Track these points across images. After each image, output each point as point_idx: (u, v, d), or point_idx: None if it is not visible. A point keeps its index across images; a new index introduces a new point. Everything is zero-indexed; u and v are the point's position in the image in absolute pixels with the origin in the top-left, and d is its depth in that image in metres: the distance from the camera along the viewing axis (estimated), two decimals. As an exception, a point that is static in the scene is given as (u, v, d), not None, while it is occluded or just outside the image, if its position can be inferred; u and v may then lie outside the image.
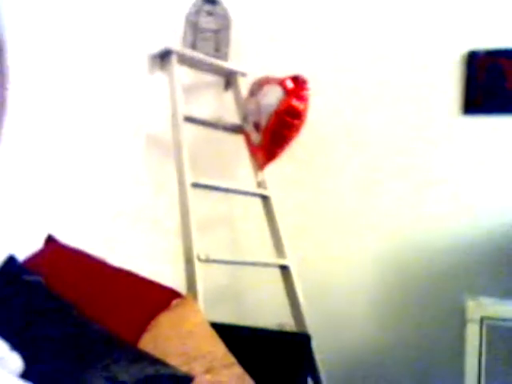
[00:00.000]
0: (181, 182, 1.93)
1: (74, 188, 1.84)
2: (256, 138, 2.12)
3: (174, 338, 1.31)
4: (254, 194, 2.16)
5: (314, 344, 1.95)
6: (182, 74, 2.23)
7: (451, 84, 2.05)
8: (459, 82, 2.04)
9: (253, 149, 2.16)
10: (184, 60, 2.15)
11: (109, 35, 1.95)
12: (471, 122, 2.03)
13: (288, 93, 2.03)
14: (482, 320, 1.55)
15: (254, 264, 2.12)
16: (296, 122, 2.05)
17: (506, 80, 2.00)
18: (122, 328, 1.28)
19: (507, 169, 1.97)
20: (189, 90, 2.33)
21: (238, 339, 1.83)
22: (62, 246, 1.48)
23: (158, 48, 2.10)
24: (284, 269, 2.07)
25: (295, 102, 2.03)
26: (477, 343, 1.55)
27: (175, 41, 2.18)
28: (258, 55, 2.31)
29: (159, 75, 2.15)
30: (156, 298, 1.39)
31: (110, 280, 1.40)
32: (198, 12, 2.16)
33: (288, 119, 2.05)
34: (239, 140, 2.20)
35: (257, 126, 2.12)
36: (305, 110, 2.05)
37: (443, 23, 2.08)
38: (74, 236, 1.77)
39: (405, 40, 2.14)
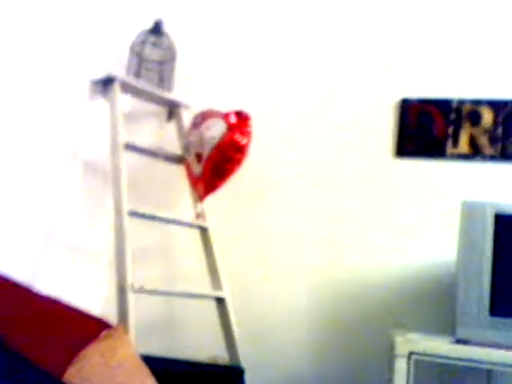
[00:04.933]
0: (118, 210, 1.90)
1: (3, 209, 1.78)
2: (197, 169, 2.14)
3: (102, 371, 1.27)
4: (192, 225, 2.16)
5: (247, 377, 1.93)
6: (125, 101, 2.22)
7: (386, 128, 2.15)
8: (393, 127, 2.14)
9: (193, 180, 2.16)
10: (127, 88, 2.15)
11: (51, 58, 1.93)
12: (403, 164, 2.12)
13: (231, 127, 2.06)
14: (409, 355, 1.60)
15: (189, 295, 2.10)
16: (238, 155, 2.08)
17: (435, 126, 2.11)
18: (47, 359, 1.23)
19: (435, 209, 2.06)
20: (131, 118, 2.32)
21: (170, 373, 1.79)
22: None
23: (101, 74, 2.09)
24: (220, 301, 2.06)
25: (238, 137, 2.07)
26: (405, 378, 1.59)
27: (119, 69, 2.18)
28: (202, 88, 2.35)
29: (101, 101, 2.13)
30: (84, 329, 1.35)
31: (36, 308, 1.35)
32: (143, 42, 2.18)
33: (230, 153, 2.07)
34: (180, 170, 2.21)
35: (198, 158, 2.14)
36: (247, 144, 2.08)
37: (380, 72, 2.19)
38: (1, 260, 1.70)
39: (344, 84, 2.23)
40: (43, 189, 1.95)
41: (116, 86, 2.07)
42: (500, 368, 1.58)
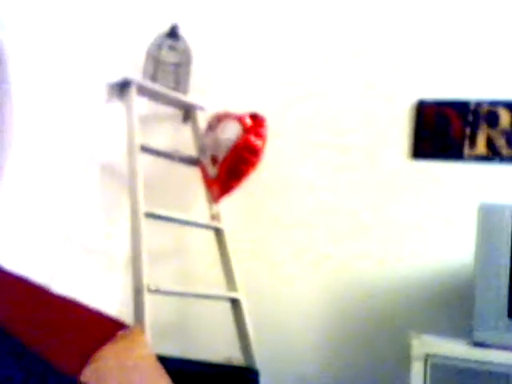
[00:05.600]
0: (134, 211, 1.91)
1: (23, 212, 1.80)
2: (212, 171, 2.14)
3: (119, 371, 1.28)
4: (207, 227, 2.17)
5: (262, 379, 1.93)
6: (141, 104, 2.24)
7: (402, 130, 2.14)
8: (409, 129, 2.13)
9: (208, 182, 2.17)
10: (143, 91, 2.16)
11: (69, 62, 1.96)
12: (420, 166, 2.11)
13: (246, 129, 2.07)
14: (426, 357, 1.58)
15: (204, 296, 2.11)
16: (253, 158, 2.09)
17: (452, 128, 2.10)
18: (63, 359, 1.25)
19: (453, 211, 2.04)
20: (147, 120, 2.34)
21: (185, 373, 1.80)
22: (3, 271, 1.44)
23: (117, 78, 2.11)
24: (235, 302, 2.06)
25: (253, 139, 2.07)
26: (421, 380, 1.58)
27: (135, 72, 2.20)
28: (217, 91, 2.36)
29: (117, 104, 2.15)
30: (101, 329, 1.36)
31: (54, 308, 1.36)
32: (159, 45, 2.20)
33: (245, 155, 2.08)
34: (195, 172, 2.22)
35: (214, 160, 2.14)
36: (262, 147, 2.09)
37: (396, 73, 2.18)
38: (20, 262, 1.72)
39: (360, 86, 2.22)
40: (61, 191, 1.97)
41: (132, 90, 2.09)
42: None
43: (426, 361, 1.58)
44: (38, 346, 1.23)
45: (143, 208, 1.92)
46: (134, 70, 2.21)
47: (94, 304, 1.51)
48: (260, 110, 2.13)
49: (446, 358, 1.59)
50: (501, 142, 2.04)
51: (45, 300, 1.39)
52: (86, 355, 1.29)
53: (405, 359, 1.63)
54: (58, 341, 1.31)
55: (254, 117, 2.08)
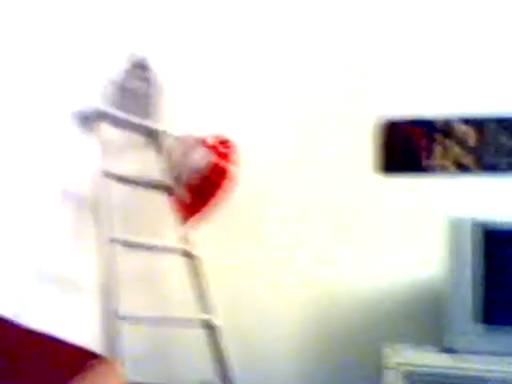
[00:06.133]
0: (101, 239, 1.90)
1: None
2: (182, 195, 2.15)
3: (90, 402, 1.26)
4: (178, 251, 2.16)
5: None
6: (106, 132, 2.24)
7: (370, 146, 2.18)
8: (378, 145, 2.17)
9: (178, 206, 2.18)
10: (108, 119, 2.17)
11: (33, 92, 1.95)
12: (387, 181, 2.15)
13: (215, 153, 2.09)
14: (398, 366, 1.60)
15: (179, 322, 2.10)
16: (222, 180, 2.11)
17: (415, 143, 2.15)
18: (33, 394, 1.22)
19: (420, 225, 2.08)
20: (114, 148, 2.34)
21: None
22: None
23: (82, 106, 2.11)
24: (209, 326, 2.06)
25: (220, 162, 2.10)
26: (395, 390, 1.60)
27: (100, 100, 2.20)
28: (185, 115, 2.37)
29: (83, 133, 2.15)
30: (72, 360, 1.34)
31: (21, 342, 1.34)
32: (125, 74, 2.21)
33: (214, 178, 2.10)
34: (164, 197, 2.22)
35: (183, 184, 2.16)
36: (231, 170, 2.11)
37: (361, 91, 2.22)
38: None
39: (326, 106, 2.25)
40: (27, 222, 1.95)
41: (97, 117, 2.09)
42: (487, 375, 1.59)
43: (398, 370, 1.60)
44: (7, 381, 1.21)
45: (110, 235, 1.91)
46: (99, 97, 2.22)
47: (66, 334, 1.49)
48: (230, 134, 2.16)
49: (418, 366, 1.61)
50: (463, 155, 2.10)
51: (12, 334, 1.37)
52: (57, 388, 1.27)
53: (378, 369, 1.65)
54: (27, 376, 1.29)
55: (223, 141, 2.11)
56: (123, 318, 1.80)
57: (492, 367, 1.55)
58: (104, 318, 1.80)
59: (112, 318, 1.77)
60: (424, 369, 1.61)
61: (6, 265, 1.85)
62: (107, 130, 2.26)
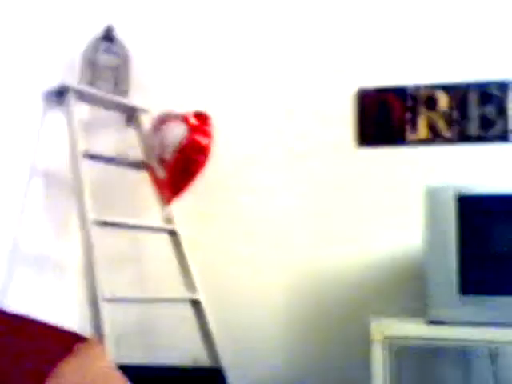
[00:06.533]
0: (82, 220, 1.87)
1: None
2: (161, 173, 2.12)
3: (78, 386, 1.25)
4: (161, 230, 2.14)
5: (229, 376, 1.93)
6: (81, 110, 2.18)
7: (345, 118, 2.17)
8: (352, 117, 2.16)
9: (158, 184, 2.15)
10: (82, 97, 2.11)
11: (1, 72, 1.88)
12: (364, 153, 2.14)
13: (191, 129, 2.06)
14: (385, 340, 1.62)
15: (163, 300, 2.09)
16: (200, 157, 2.08)
17: (393, 114, 2.14)
18: (19, 380, 1.20)
19: (399, 195, 2.09)
20: (89, 126, 2.28)
21: (150, 380, 1.78)
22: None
23: (54, 85, 2.05)
24: (195, 304, 2.05)
25: (199, 138, 2.06)
26: (381, 363, 1.61)
27: (72, 78, 2.14)
28: (159, 91, 2.32)
29: (57, 112, 2.09)
30: (56, 344, 1.32)
31: (4, 327, 1.31)
32: (95, 48, 2.15)
33: (192, 155, 2.07)
34: (144, 176, 2.18)
35: (161, 162, 2.12)
36: (209, 145, 2.08)
37: (336, 63, 2.21)
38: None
39: (301, 77, 2.23)
40: (6, 204, 1.91)
41: (70, 96, 2.03)
42: (472, 344, 1.62)
43: (384, 343, 1.61)
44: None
45: (91, 216, 1.87)
46: (71, 75, 2.15)
47: (51, 317, 1.46)
48: (205, 108, 2.12)
49: (404, 338, 1.63)
50: (441, 124, 2.10)
51: (-6, 320, 1.34)
52: (43, 373, 1.25)
53: (367, 343, 1.66)
54: (11, 362, 1.26)
55: (199, 115, 2.07)
56: (108, 300, 1.77)
57: (476, 337, 1.58)
58: (88, 299, 1.78)
59: (96, 300, 1.75)
60: (410, 341, 1.63)
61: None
62: (82, 109, 2.20)
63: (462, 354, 1.88)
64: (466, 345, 1.66)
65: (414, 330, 1.63)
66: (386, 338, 1.61)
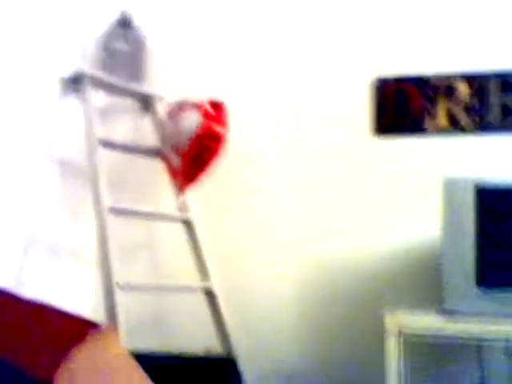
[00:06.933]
0: (98, 208, 1.87)
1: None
2: (176, 161, 2.11)
3: (91, 373, 1.25)
4: (175, 219, 2.14)
5: (242, 366, 1.93)
6: (97, 97, 2.18)
7: (363, 107, 2.14)
8: (370, 107, 2.13)
9: (173, 172, 2.14)
10: (98, 84, 2.11)
11: (18, 59, 1.89)
12: (383, 143, 2.11)
13: (207, 117, 2.04)
14: (399, 332, 1.60)
15: (177, 289, 2.09)
16: (216, 145, 2.07)
17: (411, 103, 2.11)
18: (34, 364, 1.22)
19: (417, 185, 2.06)
20: (105, 113, 2.28)
21: (164, 368, 1.78)
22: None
23: (70, 72, 2.05)
24: (209, 293, 2.05)
25: (214, 126, 2.05)
26: (396, 355, 1.60)
27: (88, 64, 2.13)
28: (175, 79, 2.31)
29: (73, 99, 2.09)
30: (71, 330, 1.33)
31: (21, 313, 1.32)
32: (111, 35, 2.14)
33: (208, 143, 2.06)
34: (159, 164, 2.18)
35: (176, 150, 2.11)
36: (224, 133, 2.07)
37: (353, 52, 2.17)
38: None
39: (319, 66, 2.21)
40: (21, 192, 1.92)
41: (87, 83, 2.03)
42: (488, 338, 1.60)
43: (399, 335, 1.60)
44: (7, 352, 1.19)
45: (107, 204, 1.88)
46: (88, 62, 2.15)
47: (66, 304, 1.47)
48: (220, 96, 2.11)
49: (419, 331, 1.61)
50: (460, 114, 2.06)
51: (10, 304, 1.35)
52: (57, 358, 1.26)
53: (380, 335, 1.65)
54: (27, 346, 1.27)
55: (214, 103, 2.06)
56: (122, 287, 1.78)
57: (493, 330, 1.55)
58: (103, 287, 1.79)
59: (111, 287, 1.75)
60: (425, 333, 1.61)
61: (2, 237, 1.82)
62: (98, 96, 2.20)
63: (478, 347, 1.85)
64: (482, 338, 1.63)
65: (430, 322, 1.61)
66: (400, 330, 1.59)
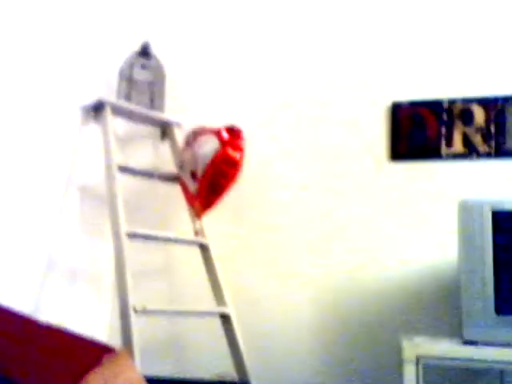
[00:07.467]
0: (115, 233, 1.90)
1: (2, 239, 1.78)
2: (193, 186, 2.14)
3: (106, 396, 1.26)
4: (192, 243, 2.15)
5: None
6: (117, 125, 2.23)
7: (379, 133, 2.15)
8: (386, 132, 2.14)
9: (190, 198, 2.16)
10: (118, 111, 2.16)
11: (41, 87, 1.95)
12: (398, 168, 2.11)
13: (224, 143, 2.07)
14: (417, 359, 1.58)
15: (193, 314, 2.09)
16: (232, 171, 2.09)
17: (427, 128, 2.11)
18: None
19: (433, 210, 2.05)
20: (125, 140, 2.33)
21: (178, 393, 1.78)
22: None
23: (91, 100, 2.10)
24: (224, 317, 2.05)
25: (231, 152, 2.07)
26: (414, 382, 1.57)
27: (109, 92, 2.19)
28: (192, 106, 2.36)
29: (93, 127, 2.14)
30: (86, 355, 1.34)
31: (36, 338, 1.34)
32: (131, 64, 2.20)
33: (224, 168, 2.08)
34: (177, 190, 2.21)
35: (193, 175, 2.14)
36: (240, 159, 2.09)
37: (369, 77, 2.19)
38: (3, 291, 1.70)
39: (335, 92, 2.23)
40: (42, 217, 1.95)
41: (107, 110, 2.08)
42: (508, 368, 1.56)
43: (417, 363, 1.57)
44: (24, 377, 1.21)
45: (125, 228, 1.90)
46: (108, 90, 2.21)
47: (83, 328, 1.49)
48: (237, 123, 2.13)
49: (438, 358, 1.58)
50: (477, 139, 2.06)
51: (27, 329, 1.37)
52: (73, 382, 1.26)
53: (397, 362, 1.62)
54: (44, 370, 1.29)
55: (231, 129, 2.08)
56: (139, 311, 1.79)
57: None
58: (119, 311, 1.80)
59: (127, 312, 1.76)
60: (444, 361, 1.58)
61: (21, 262, 1.85)
62: (118, 123, 2.25)
63: (498, 376, 1.81)
64: (501, 367, 1.60)
65: (448, 349, 1.58)
66: (418, 356, 1.57)
